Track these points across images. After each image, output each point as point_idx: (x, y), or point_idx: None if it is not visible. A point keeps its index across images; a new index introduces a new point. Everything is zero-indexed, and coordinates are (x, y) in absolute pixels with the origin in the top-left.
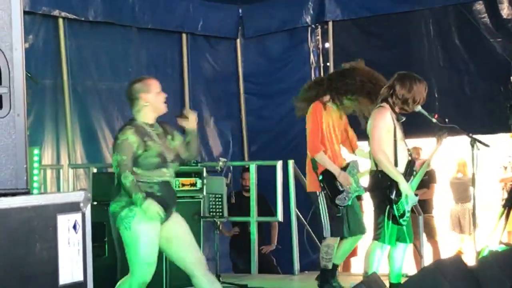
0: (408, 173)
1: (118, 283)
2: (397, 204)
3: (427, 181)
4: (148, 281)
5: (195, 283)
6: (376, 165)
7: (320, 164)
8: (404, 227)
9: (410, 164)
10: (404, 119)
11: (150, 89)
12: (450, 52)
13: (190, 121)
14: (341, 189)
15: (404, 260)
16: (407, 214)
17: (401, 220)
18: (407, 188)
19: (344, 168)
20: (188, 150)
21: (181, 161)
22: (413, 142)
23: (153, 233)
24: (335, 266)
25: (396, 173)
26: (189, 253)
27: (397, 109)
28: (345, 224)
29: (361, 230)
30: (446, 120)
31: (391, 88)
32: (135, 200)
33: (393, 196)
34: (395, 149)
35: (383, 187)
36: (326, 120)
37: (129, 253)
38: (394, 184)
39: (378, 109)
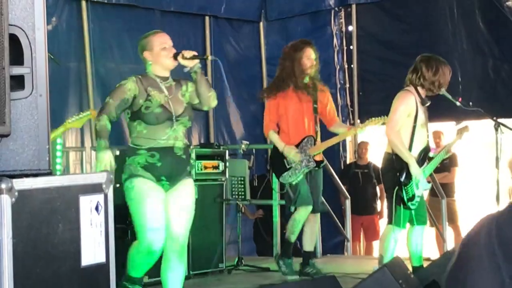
0: (421, 159)
1: (130, 249)
2: (406, 187)
3: (448, 165)
4: (158, 249)
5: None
6: (391, 147)
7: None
8: (413, 210)
9: (425, 151)
10: (429, 103)
11: (153, 46)
12: (474, 35)
13: (188, 61)
14: (287, 166)
15: (423, 243)
16: (416, 199)
17: (409, 204)
18: (418, 171)
19: (298, 145)
20: (198, 94)
21: (194, 109)
22: (435, 126)
23: (154, 200)
24: (307, 253)
25: (408, 155)
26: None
27: (422, 93)
28: (294, 196)
29: (315, 209)
30: (470, 103)
31: (416, 71)
32: (97, 145)
33: (402, 179)
34: (412, 134)
35: (395, 169)
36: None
37: (134, 222)
38: (405, 167)
39: (402, 92)
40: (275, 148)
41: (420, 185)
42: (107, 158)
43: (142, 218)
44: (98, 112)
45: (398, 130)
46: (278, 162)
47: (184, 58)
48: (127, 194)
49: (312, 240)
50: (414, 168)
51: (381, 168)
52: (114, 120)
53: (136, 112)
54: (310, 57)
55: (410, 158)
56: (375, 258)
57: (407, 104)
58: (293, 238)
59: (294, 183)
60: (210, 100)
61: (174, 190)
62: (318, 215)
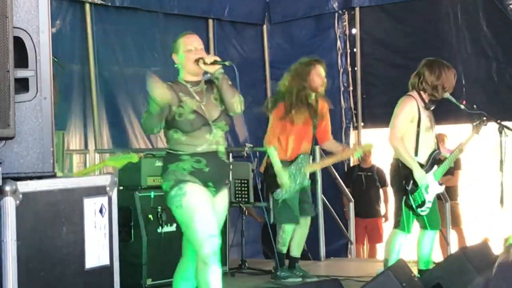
0: (431, 163)
1: (195, 271)
2: (413, 195)
3: (451, 168)
4: (217, 251)
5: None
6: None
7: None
8: (425, 215)
9: (434, 154)
10: (433, 107)
11: (179, 49)
12: (478, 39)
13: (209, 66)
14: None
15: (433, 248)
16: (427, 204)
17: (419, 210)
18: (422, 177)
19: (293, 161)
20: (222, 100)
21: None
22: (439, 129)
23: (206, 206)
24: (294, 258)
25: (411, 161)
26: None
27: (425, 97)
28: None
29: (304, 213)
30: (474, 106)
31: (419, 75)
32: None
33: (409, 187)
34: (417, 140)
35: (401, 176)
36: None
37: (187, 231)
38: (411, 174)
39: (404, 98)
40: (271, 164)
41: (430, 189)
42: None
43: (201, 224)
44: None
45: (400, 136)
46: (272, 178)
47: (204, 63)
48: (176, 200)
49: (300, 245)
50: (417, 173)
51: (389, 173)
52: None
53: (169, 121)
54: (320, 75)
55: (414, 164)
56: (378, 261)
57: (408, 110)
58: (284, 250)
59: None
60: (234, 106)
61: (217, 198)
62: (309, 218)
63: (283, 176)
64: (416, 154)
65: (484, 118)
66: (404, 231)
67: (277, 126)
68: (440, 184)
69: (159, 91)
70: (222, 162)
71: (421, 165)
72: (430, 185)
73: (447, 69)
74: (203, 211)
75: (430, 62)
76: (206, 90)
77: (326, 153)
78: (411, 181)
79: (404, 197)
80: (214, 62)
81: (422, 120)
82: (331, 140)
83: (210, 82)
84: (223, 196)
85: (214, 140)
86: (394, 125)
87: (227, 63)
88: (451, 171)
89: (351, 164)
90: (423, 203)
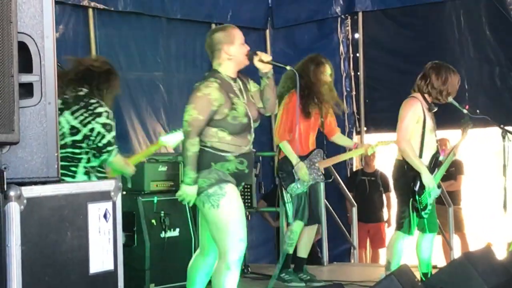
0: (433, 165)
1: (213, 274)
2: (420, 197)
3: (454, 173)
4: (242, 256)
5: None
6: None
7: (282, 151)
8: (425, 218)
9: (436, 157)
10: (436, 109)
11: (234, 40)
12: (481, 43)
13: (264, 64)
14: (296, 177)
15: (432, 250)
16: (429, 207)
17: (423, 213)
18: (430, 180)
19: (306, 156)
20: (264, 99)
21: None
22: (441, 133)
23: (241, 210)
24: (301, 260)
25: (419, 164)
26: None
27: (429, 99)
28: (304, 210)
29: (314, 220)
30: (478, 111)
31: (425, 78)
32: (185, 174)
33: (416, 188)
34: (422, 140)
35: (408, 178)
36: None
37: (219, 232)
38: (418, 176)
39: (408, 100)
40: (285, 158)
41: (432, 193)
42: (191, 195)
43: (235, 229)
44: (186, 134)
45: (408, 138)
46: (287, 173)
47: (260, 60)
48: (213, 198)
49: (307, 247)
50: (426, 177)
51: (392, 175)
52: None
53: (218, 120)
54: (327, 74)
55: (422, 167)
56: (381, 265)
57: (414, 111)
58: (291, 250)
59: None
60: (275, 107)
61: None
62: (316, 226)
63: (301, 167)
64: (420, 155)
65: (470, 122)
66: (407, 234)
67: (288, 120)
68: (438, 187)
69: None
70: (253, 162)
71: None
72: (432, 187)
73: (453, 74)
74: (238, 215)
75: (437, 66)
76: (243, 88)
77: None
78: (418, 183)
79: (411, 199)
80: (271, 62)
81: (427, 121)
82: (339, 133)
83: (241, 79)
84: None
85: (251, 140)
86: (402, 127)
87: (288, 67)
88: (454, 176)
89: (354, 169)
90: (426, 206)
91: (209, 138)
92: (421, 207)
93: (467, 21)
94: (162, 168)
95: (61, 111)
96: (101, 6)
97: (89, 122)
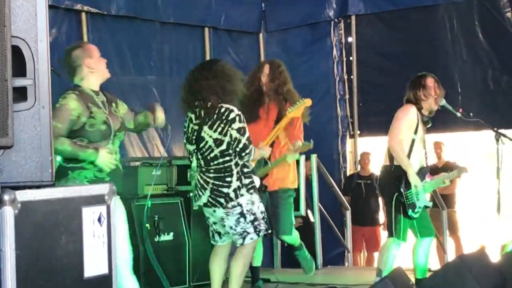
0: (420, 176)
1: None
2: (406, 193)
3: None
4: None
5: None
6: (389, 159)
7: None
8: (415, 222)
9: (422, 171)
10: (430, 124)
11: (92, 54)
12: (474, 47)
13: (158, 119)
14: None
15: (428, 255)
16: (418, 209)
17: (410, 211)
18: (416, 181)
19: None
20: (136, 127)
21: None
22: (435, 137)
23: None
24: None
25: (408, 164)
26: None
27: (425, 113)
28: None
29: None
30: (471, 114)
31: (410, 98)
32: (88, 157)
33: (402, 186)
34: (411, 148)
35: (393, 178)
36: None
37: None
38: (404, 175)
39: (406, 106)
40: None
41: (420, 197)
42: (107, 153)
43: None
44: (54, 142)
45: (400, 139)
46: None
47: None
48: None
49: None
50: (412, 177)
51: (379, 182)
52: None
53: (76, 130)
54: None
55: (410, 167)
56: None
57: (409, 116)
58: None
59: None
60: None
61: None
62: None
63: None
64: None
65: (466, 167)
66: (400, 239)
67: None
68: (430, 201)
69: None
70: (119, 170)
71: None
72: (420, 193)
73: (425, 78)
74: None
75: (410, 82)
76: (106, 101)
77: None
78: (403, 181)
79: (396, 193)
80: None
81: (419, 130)
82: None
83: (105, 94)
84: (119, 205)
85: (114, 150)
86: (395, 127)
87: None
88: None
89: (348, 173)
90: (413, 205)
91: None
92: (408, 203)
93: (460, 24)
94: (157, 172)
95: (199, 126)
96: (94, 10)
97: (227, 131)
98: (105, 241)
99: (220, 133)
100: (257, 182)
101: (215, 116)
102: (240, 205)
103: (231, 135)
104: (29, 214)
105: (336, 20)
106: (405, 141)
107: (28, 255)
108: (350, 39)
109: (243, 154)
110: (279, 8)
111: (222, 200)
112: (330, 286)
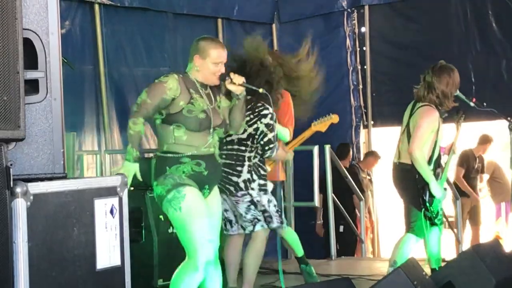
0: (437, 166)
1: (177, 269)
2: (431, 206)
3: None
4: (212, 259)
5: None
6: (400, 156)
7: None
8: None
9: (438, 159)
10: (446, 115)
11: (206, 56)
12: (487, 36)
13: (236, 86)
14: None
15: (441, 243)
16: (440, 212)
17: (436, 220)
18: (438, 190)
19: None
20: (231, 118)
21: (225, 129)
22: (447, 128)
23: (204, 209)
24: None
25: (430, 174)
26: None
27: (439, 104)
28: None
29: None
30: (484, 104)
31: (429, 86)
32: (127, 151)
33: (426, 198)
34: (433, 149)
35: (418, 188)
36: None
37: (184, 235)
38: (427, 186)
39: (427, 108)
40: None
41: (442, 199)
42: (132, 171)
43: (201, 229)
44: (133, 113)
45: (422, 147)
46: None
47: (231, 83)
48: (174, 203)
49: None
50: (435, 188)
51: (399, 180)
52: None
53: (174, 114)
54: None
55: (432, 177)
56: (383, 259)
57: (431, 121)
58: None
59: None
60: (240, 127)
61: (208, 199)
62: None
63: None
64: (429, 163)
65: (462, 114)
66: (420, 237)
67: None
68: (445, 189)
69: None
70: (218, 164)
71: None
72: (440, 196)
73: (452, 73)
74: (202, 216)
75: (438, 71)
76: (212, 95)
77: None
78: (428, 193)
79: (423, 209)
80: (243, 85)
81: (440, 131)
82: None
83: (212, 89)
84: (216, 195)
85: (213, 144)
86: (417, 135)
87: (260, 90)
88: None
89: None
90: (437, 213)
91: (166, 140)
92: (433, 216)
93: (473, 13)
94: None
95: None
96: (107, 2)
97: (254, 123)
98: (117, 233)
99: (246, 123)
100: (270, 187)
101: (249, 106)
102: (250, 195)
103: (257, 128)
104: (41, 206)
105: (349, 10)
106: (427, 143)
107: (41, 247)
108: (363, 29)
109: (266, 148)
110: None
111: (232, 188)
112: (344, 276)
